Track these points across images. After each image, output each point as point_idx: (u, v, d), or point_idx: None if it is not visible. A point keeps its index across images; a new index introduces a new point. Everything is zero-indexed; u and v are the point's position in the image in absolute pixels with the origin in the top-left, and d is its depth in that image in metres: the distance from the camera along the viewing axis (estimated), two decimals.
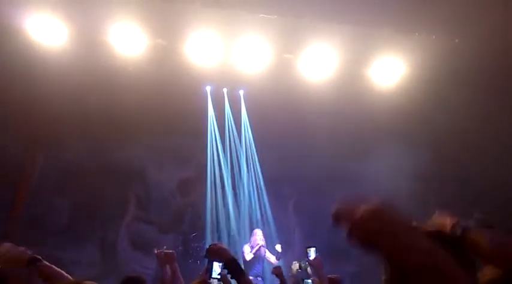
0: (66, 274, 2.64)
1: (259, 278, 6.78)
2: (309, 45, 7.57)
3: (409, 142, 8.05)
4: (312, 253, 3.92)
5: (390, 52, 7.77)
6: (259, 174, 8.96)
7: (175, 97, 7.84)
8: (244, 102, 9.04)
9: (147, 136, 8.45)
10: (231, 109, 9.06)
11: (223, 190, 8.80)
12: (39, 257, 2.52)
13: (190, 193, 8.92)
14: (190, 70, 7.66)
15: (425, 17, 6.83)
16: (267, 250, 7.07)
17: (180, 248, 8.12)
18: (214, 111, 8.98)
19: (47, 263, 2.57)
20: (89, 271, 7.27)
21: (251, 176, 9.00)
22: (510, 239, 1.38)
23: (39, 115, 7.57)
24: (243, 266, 2.74)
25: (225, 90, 8.95)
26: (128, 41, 7.15)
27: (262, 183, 8.93)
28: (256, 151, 9.02)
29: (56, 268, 2.62)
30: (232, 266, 2.60)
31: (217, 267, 2.86)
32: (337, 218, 0.98)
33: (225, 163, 8.98)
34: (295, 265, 4.39)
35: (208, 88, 8.85)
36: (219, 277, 2.83)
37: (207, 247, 2.80)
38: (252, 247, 7.03)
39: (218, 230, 8.42)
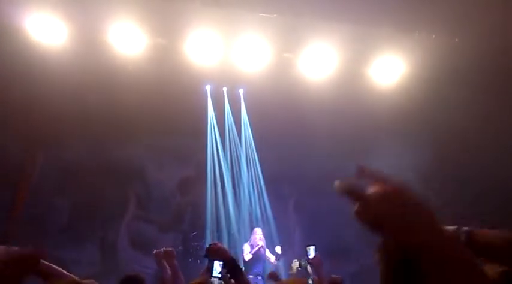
0: (66, 273, 2.65)
1: (259, 278, 6.79)
2: (308, 44, 7.57)
3: (409, 142, 8.05)
4: (312, 252, 3.92)
5: (390, 51, 7.77)
6: (259, 173, 8.97)
7: (175, 97, 7.83)
8: (244, 101, 9.04)
9: (147, 136, 8.45)
10: (230, 108, 9.06)
11: (223, 189, 8.80)
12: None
13: (190, 193, 8.93)
14: (190, 69, 7.66)
15: (425, 16, 6.83)
16: (267, 250, 7.08)
17: (180, 247, 8.13)
18: (214, 110, 8.99)
19: (45, 262, 2.57)
20: (89, 270, 7.27)
21: (251, 175, 9.00)
22: None
23: (39, 115, 7.57)
24: (242, 266, 2.75)
25: (224, 89, 8.95)
26: (127, 40, 7.14)
27: (262, 182, 8.94)
28: (256, 151, 9.02)
29: (56, 266, 2.63)
30: (232, 266, 2.61)
31: (218, 266, 2.86)
32: (345, 191, 0.87)
33: (225, 162, 8.99)
34: (295, 264, 4.39)
35: (208, 88, 8.85)
36: (219, 276, 2.83)
37: (207, 246, 2.80)
38: (251, 246, 7.03)
39: (218, 229, 8.43)
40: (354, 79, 8.03)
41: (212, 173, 8.82)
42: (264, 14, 7.02)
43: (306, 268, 4.16)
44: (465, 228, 1.39)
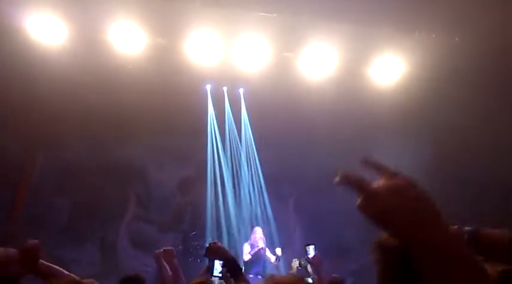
0: (66, 272, 2.65)
1: (260, 277, 6.79)
2: (308, 43, 7.57)
3: (409, 141, 8.05)
4: (311, 251, 3.93)
5: (390, 51, 7.77)
6: (259, 172, 8.97)
7: (175, 96, 7.83)
8: (244, 101, 9.04)
9: (147, 135, 8.45)
10: (231, 108, 9.06)
11: (223, 189, 8.81)
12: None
13: (190, 192, 8.93)
14: (190, 69, 7.66)
15: (425, 16, 6.83)
16: (267, 249, 7.08)
17: (180, 247, 8.13)
18: (214, 110, 8.99)
19: (45, 261, 2.58)
20: (89, 270, 7.27)
21: (251, 175, 9.01)
22: None
23: (39, 115, 7.57)
24: (242, 265, 2.76)
25: (225, 88, 8.95)
26: (127, 40, 7.14)
27: (262, 181, 8.94)
28: (256, 150, 9.03)
29: (55, 266, 2.63)
30: (231, 265, 2.61)
31: (218, 265, 2.87)
32: (350, 181, 0.83)
33: (225, 162, 8.99)
34: (295, 263, 4.40)
35: (208, 87, 8.85)
36: (220, 275, 2.84)
37: (207, 245, 2.81)
38: (251, 245, 7.04)
39: (218, 229, 8.43)
40: (354, 79, 8.03)
41: (212, 173, 8.83)
42: (264, 14, 7.02)
43: (306, 267, 4.17)
44: (468, 227, 1.39)
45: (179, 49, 7.48)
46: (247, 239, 7.44)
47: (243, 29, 7.25)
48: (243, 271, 2.86)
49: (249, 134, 9.09)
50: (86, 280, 2.79)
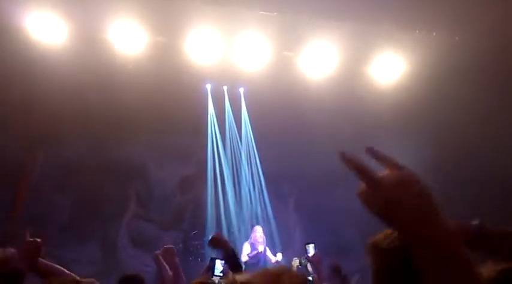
0: (66, 271, 2.65)
1: None
2: (308, 42, 7.56)
3: (409, 140, 8.04)
4: (311, 250, 3.94)
5: (390, 49, 7.76)
6: (260, 171, 8.98)
7: (175, 95, 7.83)
8: (245, 100, 9.04)
9: (147, 134, 8.45)
10: (231, 107, 9.06)
11: (224, 188, 8.81)
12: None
13: (190, 191, 8.93)
14: (191, 68, 7.66)
15: (425, 14, 6.82)
16: (267, 249, 7.10)
17: (180, 246, 8.14)
18: (214, 109, 8.99)
19: (45, 260, 2.58)
20: (89, 269, 7.28)
21: (251, 174, 9.01)
22: None
23: (39, 114, 7.56)
24: (243, 264, 2.77)
25: (225, 87, 8.95)
26: (127, 39, 7.14)
27: (262, 180, 8.95)
28: (256, 149, 9.03)
29: (55, 265, 2.63)
30: (231, 258, 2.63)
31: (219, 265, 2.88)
32: (354, 165, 0.82)
33: (225, 160, 8.99)
34: (295, 262, 4.41)
35: (208, 86, 8.85)
36: (221, 274, 2.85)
37: (210, 235, 2.84)
38: (252, 244, 7.05)
39: (219, 227, 8.43)
40: (354, 78, 8.03)
41: (212, 172, 8.83)
42: (264, 12, 7.02)
43: (306, 266, 4.17)
44: (476, 221, 1.38)
45: (179, 48, 7.47)
46: (247, 238, 7.45)
47: (243, 28, 7.25)
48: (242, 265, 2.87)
49: (249, 133, 9.09)
50: (86, 280, 2.79)
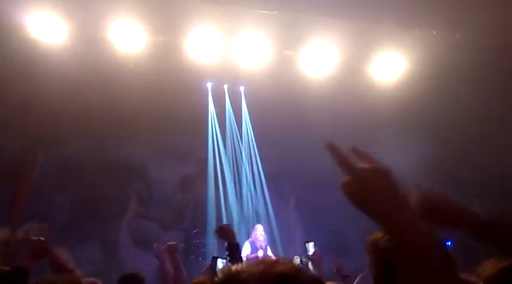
0: (73, 267, 2.68)
1: None
2: (309, 41, 7.56)
3: (409, 139, 8.04)
4: (311, 248, 3.94)
5: (391, 48, 7.75)
6: (260, 170, 8.98)
7: (175, 94, 7.83)
8: (245, 99, 9.04)
9: (148, 133, 8.45)
10: (231, 105, 9.06)
11: (224, 187, 8.82)
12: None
13: (191, 190, 8.94)
14: (191, 67, 7.65)
15: (426, 12, 6.81)
16: (268, 248, 7.10)
17: (181, 245, 8.14)
18: (215, 108, 8.99)
19: (57, 251, 2.63)
20: (90, 269, 7.27)
21: (252, 172, 9.02)
22: None
23: (40, 113, 7.56)
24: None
25: (225, 86, 8.95)
26: (128, 38, 7.13)
27: (263, 179, 8.95)
28: (257, 148, 9.03)
29: (66, 257, 2.67)
30: (233, 249, 2.64)
31: (220, 264, 2.88)
32: (336, 155, 0.91)
33: (226, 159, 8.99)
34: (296, 260, 4.41)
35: (209, 85, 8.84)
36: None
37: (218, 225, 2.87)
38: (252, 242, 7.06)
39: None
40: (355, 76, 8.03)
41: (213, 171, 8.83)
42: (264, 11, 7.01)
43: (307, 264, 4.17)
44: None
45: (180, 47, 7.47)
46: (248, 236, 7.45)
47: (243, 27, 7.24)
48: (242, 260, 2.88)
49: (250, 132, 9.09)
50: (87, 279, 2.80)
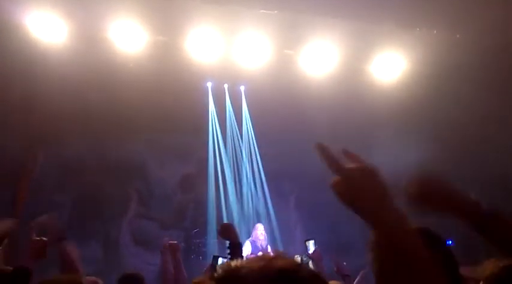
0: (78, 265, 2.70)
1: None
2: (309, 40, 7.56)
3: (409, 138, 8.04)
4: (311, 246, 3.94)
5: (391, 47, 7.75)
6: (260, 169, 8.98)
7: (176, 94, 7.83)
8: (245, 98, 9.04)
9: (148, 133, 8.45)
10: (232, 105, 9.06)
11: (225, 186, 8.82)
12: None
13: (191, 190, 8.94)
14: (191, 66, 7.66)
15: (426, 12, 6.81)
16: (269, 247, 7.11)
17: (182, 244, 8.14)
18: (215, 107, 8.99)
19: (67, 246, 2.66)
20: (91, 268, 7.27)
21: (252, 171, 9.02)
22: None
23: (40, 113, 7.56)
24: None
25: (225, 86, 8.95)
26: (128, 38, 7.13)
27: (263, 178, 8.96)
28: (257, 147, 9.03)
29: (75, 255, 2.70)
30: (235, 249, 2.66)
31: (221, 263, 2.88)
32: (324, 155, 0.95)
33: (226, 158, 9.00)
34: (297, 259, 4.40)
35: (209, 85, 8.85)
36: None
37: (221, 224, 2.90)
38: (253, 242, 7.07)
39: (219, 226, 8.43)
40: (355, 76, 8.02)
41: (213, 170, 8.84)
42: (264, 11, 7.01)
43: (307, 263, 4.18)
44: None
45: (180, 47, 7.47)
46: (249, 236, 7.46)
47: (243, 26, 7.24)
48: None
49: (250, 131, 9.10)
50: (88, 278, 2.81)
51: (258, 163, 9.01)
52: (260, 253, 6.89)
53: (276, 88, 7.86)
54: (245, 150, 9.09)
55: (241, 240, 2.93)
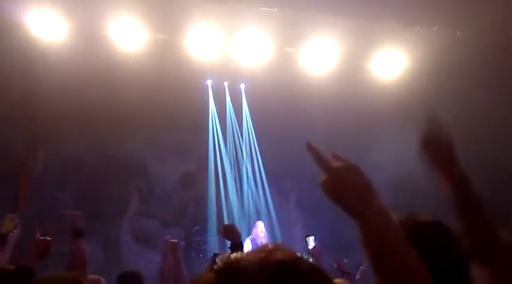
0: (84, 262, 2.72)
1: None
2: (310, 38, 7.54)
3: (409, 136, 8.02)
4: (311, 242, 3.94)
5: (391, 45, 7.74)
6: (261, 167, 8.98)
7: (176, 92, 7.83)
8: (246, 96, 9.04)
9: (148, 131, 8.45)
10: (232, 103, 9.06)
11: (225, 184, 8.82)
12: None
13: (192, 187, 8.95)
14: (191, 64, 7.65)
15: (426, 9, 6.79)
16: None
17: (182, 242, 8.14)
18: (215, 105, 8.98)
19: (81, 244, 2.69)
20: (92, 266, 7.28)
21: (252, 169, 9.02)
22: None
23: (39, 111, 7.56)
24: None
25: (226, 84, 8.94)
26: (128, 36, 7.12)
27: (263, 176, 8.96)
28: (258, 145, 9.03)
29: (85, 252, 2.73)
30: (237, 249, 2.66)
31: None
32: (315, 156, 1.02)
33: (227, 156, 9.00)
34: None
35: (209, 82, 8.84)
36: None
37: (223, 224, 2.92)
38: (253, 240, 7.07)
39: (220, 223, 8.44)
40: (355, 74, 8.01)
41: (213, 168, 8.84)
42: (264, 8, 7.00)
43: (307, 259, 4.17)
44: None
45: (180, 44, 7.46)
46: (249, 234, 7.47)
47: (243, 24, 7.23)
48: None
49: (250, 129, 9.09)
50: (91, 276, 2.82)
51: (258, 161, 9.01)
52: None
53: (276, 86, 7.85)
54: (245, 148, 9.09)
55: (242, 239, 2.94)
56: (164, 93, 7.74)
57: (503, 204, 7.20)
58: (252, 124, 9.07)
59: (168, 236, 3.67)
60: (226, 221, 8.49)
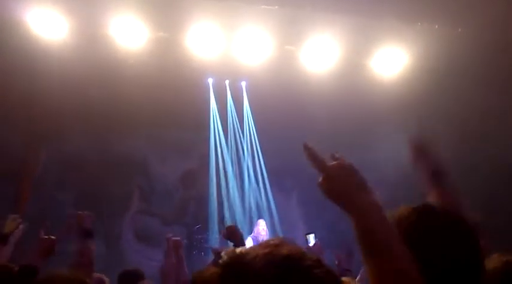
0: (90, 263, 2.73)
1: None
2: (310, 36, 7.54)
3: (410, 134, 8.01)
4: (312, 239, 3.93)
5: (392, 42, 7.73)
6: (262, 165, 8.99)
7: (177, 90, 7.83)
8: (246, 94, 9.04)
9: (149, 129, 8.45)
10: (233, 101, 9.06)
11: (226, 182, 8.83)
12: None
13: (193, 186, 8.96)
14: (192, 62, 7.65)
15: (427, 7, 6.78)
16: None
17: (184, 240, 8.15)
18: (216, 103, 8.99)
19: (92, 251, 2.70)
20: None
21: (254, 167, 9.03)
22: None
23: (41, 109, 7.56)
24: None
25: (227, 82, 8.95)
26: (129, 34, 7.13)
27: (265, 174, 8.96)
28: (259, 143, 9.03)
29: (91, 252, 2.74)
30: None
31: None
32: (311, 157, 1.04)
33: (228, 154, 9.00)
34: None
35: (210, 81, 8.84)
36: None
37: (226, 226, 2.94)
38: (254, 238, 7.08)
39: (221, 221, 8.46)
40: (356, 71, 8.01)
41: (215, 166, 8.85)
42: (265, 6, 6.99)
43: None
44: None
45: (181, 43, 7.46)
46: (250, 232, 7.48)
47: (244, 22, 7.23)
48: None
49: (251, 127, 9.10)
50: (95, 274, 2.84)
51: (259, 159, 9.01)
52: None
53: (277, 84, 7.85)
54: (246, 146, 9.09)
55: (244, 240, 2.96)
56: (165, 91, 7.74)
57: (503, 204, 7.23)
58: (253, 122, 9.07)
59: (170, 234, 3.68)
60: (227, 220, 8.51)
